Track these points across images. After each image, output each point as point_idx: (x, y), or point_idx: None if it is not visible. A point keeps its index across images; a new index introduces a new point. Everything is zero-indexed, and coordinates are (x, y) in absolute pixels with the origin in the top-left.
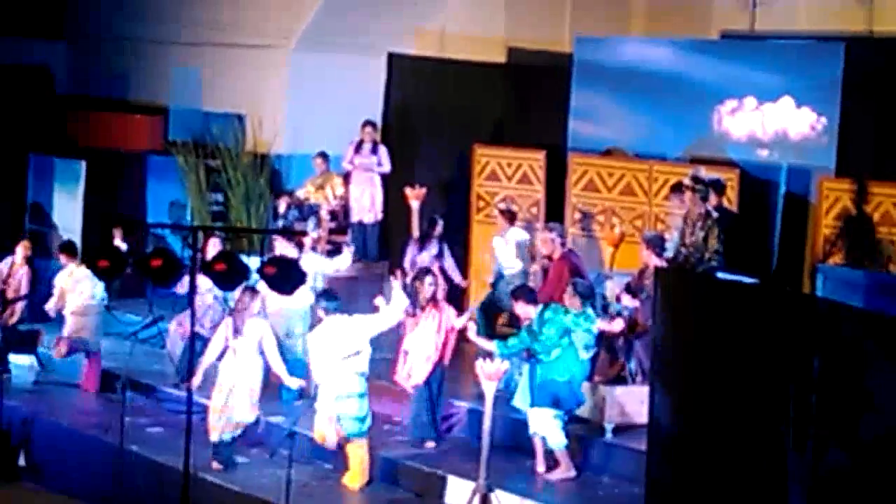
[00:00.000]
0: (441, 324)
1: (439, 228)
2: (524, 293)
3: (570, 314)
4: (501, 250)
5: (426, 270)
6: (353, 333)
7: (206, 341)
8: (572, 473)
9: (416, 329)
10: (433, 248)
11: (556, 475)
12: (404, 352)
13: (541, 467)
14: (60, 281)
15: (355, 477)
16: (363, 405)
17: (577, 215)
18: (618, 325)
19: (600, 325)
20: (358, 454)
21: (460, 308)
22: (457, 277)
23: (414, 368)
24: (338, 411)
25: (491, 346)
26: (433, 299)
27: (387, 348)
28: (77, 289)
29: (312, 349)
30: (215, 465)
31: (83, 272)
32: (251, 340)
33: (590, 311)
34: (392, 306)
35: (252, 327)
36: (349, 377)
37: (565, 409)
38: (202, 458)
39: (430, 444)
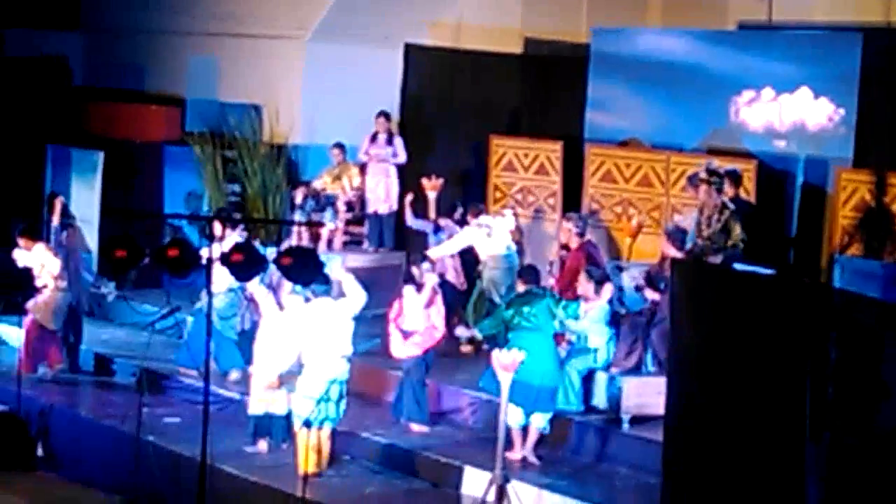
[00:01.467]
0: (437, 304)
1: (458, 214)
2: (525, 272)
3: (554, 298)
4: (481, 240)
5: (424, 256)
6: (338, 316)
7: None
8: (518, 456)
9: (413, 307)
10: (443, 236)
11: (510, 455)
12: (401, 330)
13: (518, 454)
14: (27, 261)
15: (314, 462)
16: (343, 390)
17: (585, 213)
18: (608, 291)
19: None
20: (326, 440)
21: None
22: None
23: (411, 341)
24: (321, 394)
25: (472, 332)
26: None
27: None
28: (42, 271)
29: (301, 331)
30: (262, 445)
31: (45, 254)
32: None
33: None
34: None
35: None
36: (336, 360)
37: (537, 411)
38: (219, 449)
39: (421, 429)
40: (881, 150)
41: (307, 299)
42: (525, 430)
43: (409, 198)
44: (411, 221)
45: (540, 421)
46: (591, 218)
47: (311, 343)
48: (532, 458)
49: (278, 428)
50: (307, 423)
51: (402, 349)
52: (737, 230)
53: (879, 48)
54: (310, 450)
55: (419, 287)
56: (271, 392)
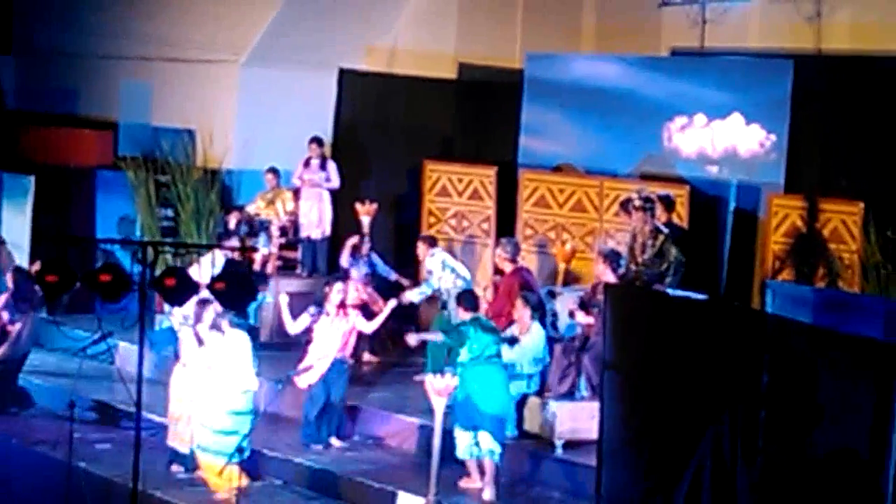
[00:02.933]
0: (345, 329)
1: (365, 248)
2: (464, 299)
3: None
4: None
5: (336, 278)
6: (237, 350)
7: None
8: (478, 485)
9: (322, 332)
10: (363, 268)
11: (465, 484)
12: (305, 353)
13: (477, 483)
14: None
15: (224, 488)
16: (247, 422)
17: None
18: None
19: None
20: (233, 469)
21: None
22: (392, 275)
23: (311, 368)
24: (222, 427)
25: (437, 336)
26: (341, 305)
27: None
28: None
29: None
30: (175, 467)
31: None
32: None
33: (536, 325)
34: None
35: (214, 339)
36: (235, 393)
37: (476, 429)
38: (151, 475)
39: (318, 447)
40: (812, 175)
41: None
42: (479, 461)
43: (350, 241)
44: (346, 262)
45: (489, 443)
46: (528, 242)
47: (214, 375)
48: (490, 495)
49: (187, 458)
50: (207, 452)
51: (303, 378)
52: (672, 252)
53: (810, 75)
54: (216, 477)
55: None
56: (181, 426)
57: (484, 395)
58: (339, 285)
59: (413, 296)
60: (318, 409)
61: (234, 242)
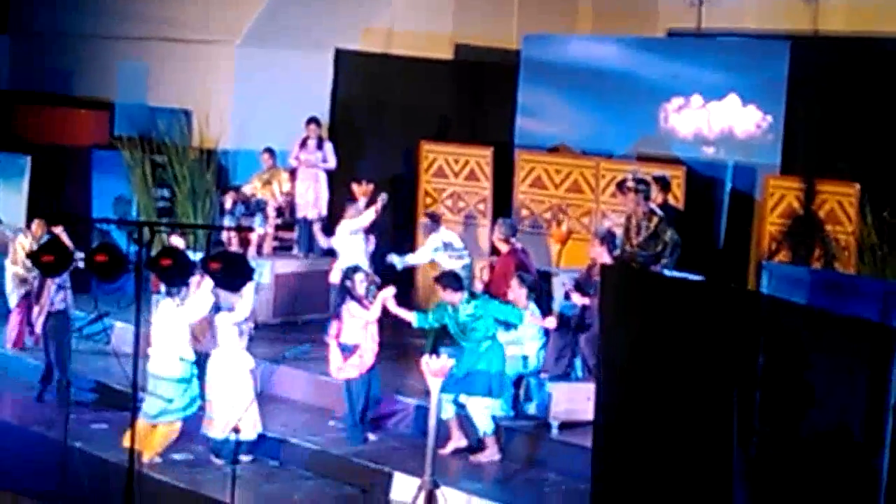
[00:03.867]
0: (370, 319)
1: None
2: (449, 281)
3: (496, 303)
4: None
5: (355, 268)
6: (177, 320)
7: None
8: (497, 456)
9: (350, 325)
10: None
11: (484, 457)
12: (339, 346)
13: (452, 446)
14: None
15: (151, 448)
16: (186, 389)
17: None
18: (550, 323)
19: (532, 320)
20: (162, 430)
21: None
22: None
23: (349, 362)
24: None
25: (410, 316)
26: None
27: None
28: None
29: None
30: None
31: None
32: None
33: (532, 306)
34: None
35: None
36: (173, 361)
37: (497, 397)
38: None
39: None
40: (808, 157)
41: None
42: (460, 419)
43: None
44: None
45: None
46: (524, 223)
47: (154, 344)
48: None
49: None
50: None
51: (341, 371)
52: (667, 234)
53: (807, 56)
54: (143, 437)
55: (359, 300)
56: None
57: (498, 363)
58: (360, 275)
59: (394, 258)
60: (362, 407)
61: (230, 223)
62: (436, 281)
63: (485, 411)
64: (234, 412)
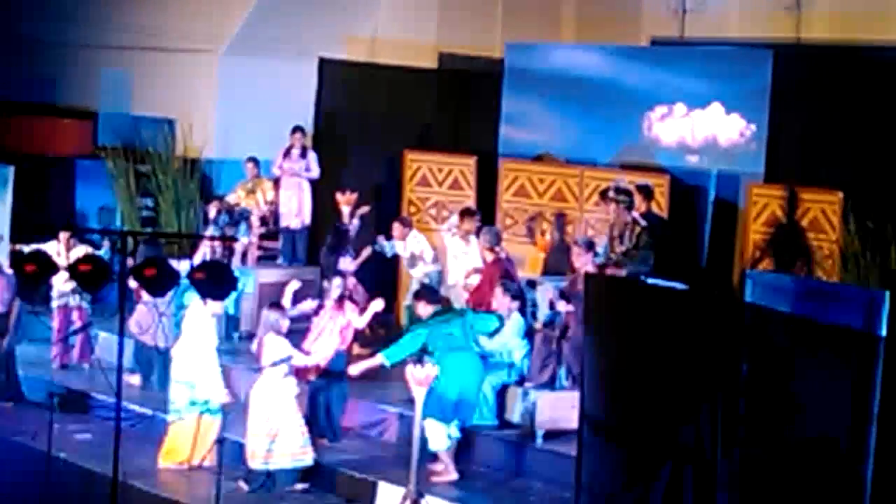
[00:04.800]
0: (343, 324)
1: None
2: (425, 294)
3: (471, 313)
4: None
5: (337, 272)
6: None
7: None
8: (453, 476)
9: (319, 328)
10: (348, 261)
11: (436, 477)
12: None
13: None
14: None
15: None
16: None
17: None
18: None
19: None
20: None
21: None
22: None
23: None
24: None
25: (378, 360)
26: (339, 301)
27: None
28: None
29: None
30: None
31: None
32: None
33: (516, 315)
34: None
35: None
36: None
37: (445, 422)
38: (131, 465)
39: (324, 441)
40: (791, 165)
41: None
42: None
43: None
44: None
45: (455, 432)
46: (508, 232)
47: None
48: (455, 474)
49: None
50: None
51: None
52: (641, 248)
53: (790, 64)
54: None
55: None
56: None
57: (458, 384)
58: (337, 280)
59: (384, 243)
60: (324, 407)
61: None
62: (415, 296)
63: (436, 431)
64: (274, 440)
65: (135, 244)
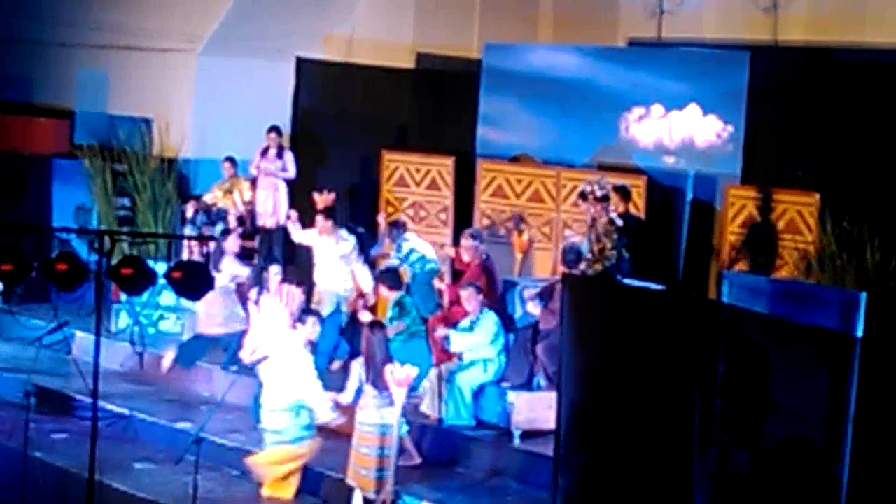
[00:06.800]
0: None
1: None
2: (388, 278)
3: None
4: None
5: (273, 260)
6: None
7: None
8: (417, 460)
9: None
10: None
11: (402, 462)
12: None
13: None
14: None
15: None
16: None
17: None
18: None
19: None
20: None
21: None
22: None
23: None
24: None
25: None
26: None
27: None
28: None
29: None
30: None
31: None
32: None
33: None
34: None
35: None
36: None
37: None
38: (107, 465)
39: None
40: (768, 166)
41: None
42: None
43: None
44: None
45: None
46: (486, 232)
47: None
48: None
49: None
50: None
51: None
52: (611, 250)
53: (767, 66)
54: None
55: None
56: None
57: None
58: (275, 268)
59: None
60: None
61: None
62: (377, 278)
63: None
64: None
65: (111, 244)
